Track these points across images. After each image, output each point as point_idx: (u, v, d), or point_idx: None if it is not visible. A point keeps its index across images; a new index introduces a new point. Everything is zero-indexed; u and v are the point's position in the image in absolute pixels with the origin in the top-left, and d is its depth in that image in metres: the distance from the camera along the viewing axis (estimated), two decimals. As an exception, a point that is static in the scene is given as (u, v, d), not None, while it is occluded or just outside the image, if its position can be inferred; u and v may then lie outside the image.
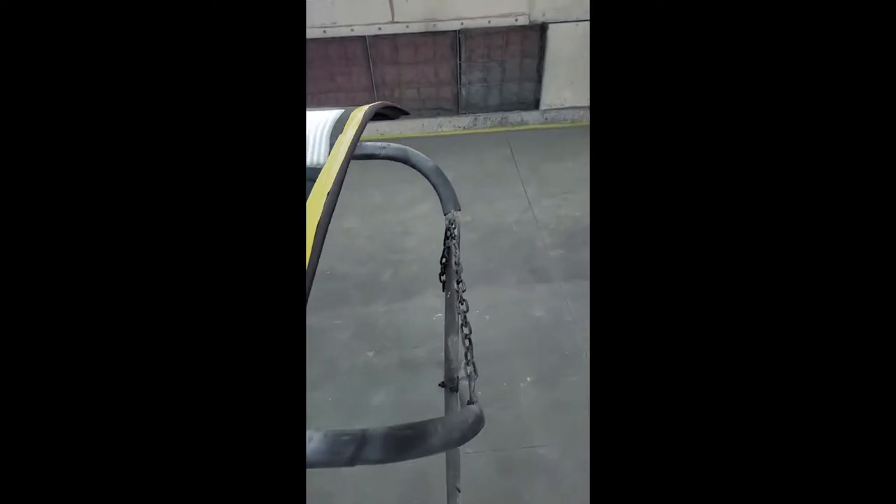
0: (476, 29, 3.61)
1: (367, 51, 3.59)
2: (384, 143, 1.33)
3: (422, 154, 1.35)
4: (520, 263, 2.68)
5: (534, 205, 3.15)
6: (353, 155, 1.30)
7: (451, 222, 1.34)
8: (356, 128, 1.24)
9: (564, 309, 2.38)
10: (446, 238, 1.33)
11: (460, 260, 1.39)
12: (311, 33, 3.43)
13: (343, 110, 1.42)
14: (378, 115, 1.70)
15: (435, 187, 1.37)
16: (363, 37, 3.51)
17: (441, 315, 2.43)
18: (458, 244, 1.35)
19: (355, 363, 2.17)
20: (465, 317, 1.25)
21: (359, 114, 1.56)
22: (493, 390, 2.02)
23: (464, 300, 1.38)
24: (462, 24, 3.55)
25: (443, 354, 2.12)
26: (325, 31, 3.44)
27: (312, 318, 2.37)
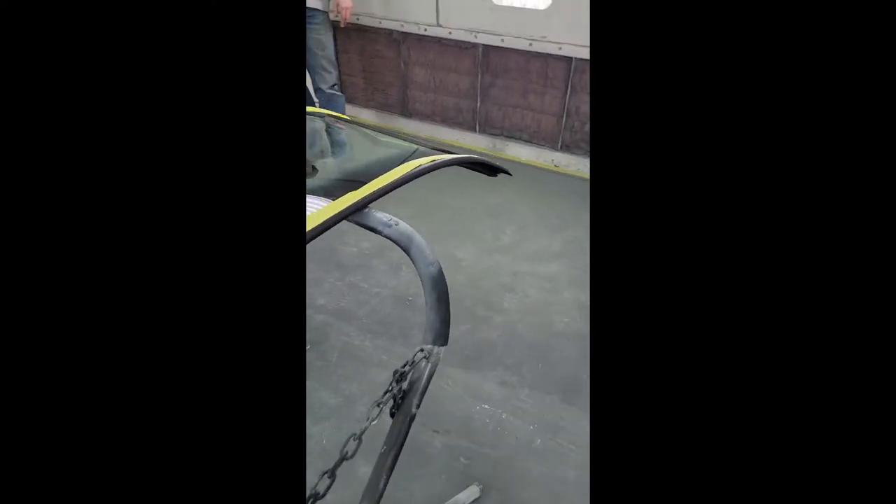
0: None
1: (569, 74, 3.15)
2: (394, 221, 1.00)
3: (428, 251, 0.98)
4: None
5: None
6: (357, 222, 1.02)
7: (410, 362, 0.94)
8: (418, 164, 1.05)
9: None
10: (397, 377, 0.95)
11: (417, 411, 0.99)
12: (516, 44, 3.17)
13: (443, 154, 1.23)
14: (471, 167, 1.43)
15: (426, 304, 0.98)
16: (570, 58, 3.08)
17: (487, 407, 2.00)
18: (422, 392, 0.96)
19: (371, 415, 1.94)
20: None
21: (440, 158, 1.29)
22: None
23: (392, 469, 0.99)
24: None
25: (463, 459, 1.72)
26: (531, 45, 3.13)
27: (365, 342, 2.21)
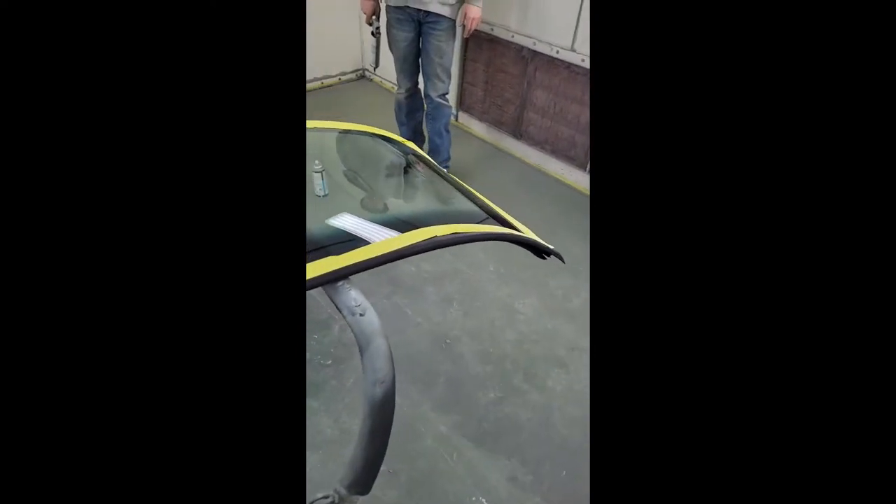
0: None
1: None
2: (360, 309, 0.81)
3: (385, 364, 0.76)
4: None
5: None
6: (328, 293, 0.86)
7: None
8: (455, 231, 0.99)
9: None
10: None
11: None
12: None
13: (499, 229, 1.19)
14: (518, 243, 1.27)
15: (359, 433, 0.76)
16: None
17: (484, 502, 1.71)
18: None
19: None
20: None
21: (483, 229, 1.33)
22: None
23: None
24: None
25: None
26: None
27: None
